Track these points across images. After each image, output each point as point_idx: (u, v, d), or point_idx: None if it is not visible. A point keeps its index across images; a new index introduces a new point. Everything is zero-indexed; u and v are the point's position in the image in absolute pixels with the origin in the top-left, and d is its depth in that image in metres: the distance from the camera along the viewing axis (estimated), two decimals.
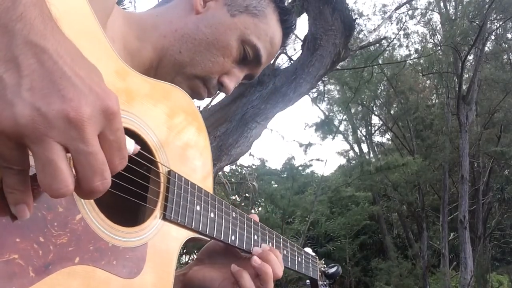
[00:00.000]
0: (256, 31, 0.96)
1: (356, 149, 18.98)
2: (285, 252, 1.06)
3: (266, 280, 0.89)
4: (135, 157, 0.62)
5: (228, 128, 3.52)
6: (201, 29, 0.93)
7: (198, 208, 0.81)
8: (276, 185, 13.21)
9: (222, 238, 0.86)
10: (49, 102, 0.43)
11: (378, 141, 19.58)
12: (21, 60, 0.43)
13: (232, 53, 0.95)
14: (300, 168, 11.50)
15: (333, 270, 1.27)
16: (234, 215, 0.91)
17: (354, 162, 17.57)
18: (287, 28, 1.05)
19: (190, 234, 0.79)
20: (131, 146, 0.58)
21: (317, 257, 1.25)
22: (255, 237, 0.96)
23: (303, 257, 1.16)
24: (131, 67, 0.73)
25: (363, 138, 18.81)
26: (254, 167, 11.27)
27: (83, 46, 0.50)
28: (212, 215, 0.84)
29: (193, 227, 0.79)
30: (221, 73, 0.96)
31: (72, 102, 0.44)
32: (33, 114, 0.43)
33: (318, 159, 13.25)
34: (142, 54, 0.91)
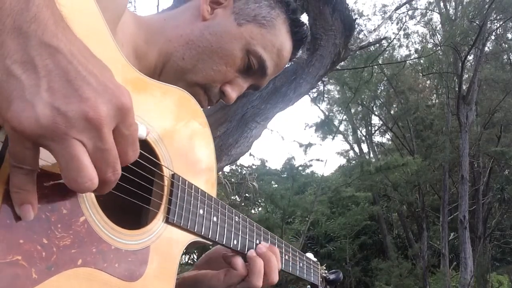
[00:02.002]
0: (263, 42, 0.94)
1: (356, 149, 19.01)
2: (286, 257, 1.06)
3: (269, 271, 0.90)
4: (139, 160, 0.63)
5: (228, 128, 3.52)
6: (205, 36, 0.91)
7: (201, 211, 0.80)
8: (276, 185, 13.21)
9: (224, 242, 0.86)
10: (68, 102, 0.44)
11: (378, 141, 19.60)
12: (37, 61, 0.44)
13: (236, 62, 0.93)
14: (300, 168, 11.50)
15: (334, 276, 1.27)
16: (237, 219, 0.91)
17: (354, 162, 17.57)
18: (298, 40, 1.02)
19: (193, 238, 0.79)
20: (143, 131, 0.59)
21: (318, 263, 1.25)
22: (257, 241, 0.96)
23: (305, 262, 1.16)
24: (137, 70, 0.74)
25: (363, 138, 18.83)
26: (254, 167, 11.28)
27: (89, 46, 0.50)
28: (215, 219, 0.84)
29: (195, 230, 0.78)
30: (224, 82, 0.94)
31: (89, 102, 0.45)
32: (53, 114, 0.44)
33: (318, 159, 13.23)
34: (149, 57, 0.91)
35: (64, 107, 0.44)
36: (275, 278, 0.92)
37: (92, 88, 0.46)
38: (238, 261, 0.89)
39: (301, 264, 1.13)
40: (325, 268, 1.29)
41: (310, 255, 1.22)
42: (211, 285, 0.91)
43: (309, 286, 1.22)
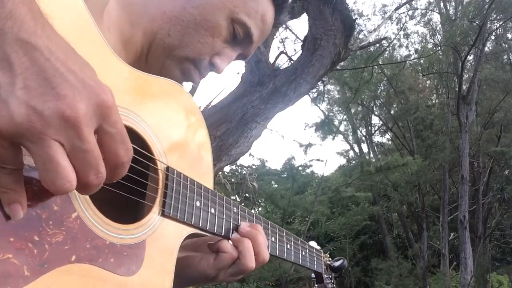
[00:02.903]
0: (246, 9, 0.93)
1: (356, 149, 19.00)
2: (288, 246, 1.05)
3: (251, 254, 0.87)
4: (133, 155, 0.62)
5: (228, 128, 3.52)
6: (188, 10, 0.91)
7: (198, 204, 0.80)
8: (276, 185, 13.22)
9: (223, 234, 0.86)
10: (44, 100, 0.43)
11: (378, 141, 19.59)
12: (13, 58, 0.43)
13: (222, 32, 0.93)
14: (300, 168, 11.51)
15: (338, 263, 1.27)
16: (235, 210, 0.90)
17: (354, 162, 17.57)
18: (279, 5, 1.01)
19: (190, 230, 0.79)
20: None
21: (321, 251, 1.25)
22: None
23: (307, 250, 1.15)
24: (125, 56, 0.73)
25: (363, 138, 18.82)
26: (254, 167, 11.30)
27: (74, 41, 0.49)
28: (212, 210, 0.83)
29: (193, 223, 0.78)
30: (212, 53, 0.94)
31: (66, 99, 0.44)
32: (28, 112, 0.42)
33: (318, 159, 13.25)
34: (134, 40, 0.90)
35: (40, 105, 0.43)
36: (266, 255, 0.90)
37: (71, 86, 0.45)
38: (227, 244, 0.87)
39: (303, 253, 1.12)
40: (329, 255, 1.29)
41: (313, 243, 1.22)
42: (199, 269, 0.88)
43: (313, 274, 1.22)
